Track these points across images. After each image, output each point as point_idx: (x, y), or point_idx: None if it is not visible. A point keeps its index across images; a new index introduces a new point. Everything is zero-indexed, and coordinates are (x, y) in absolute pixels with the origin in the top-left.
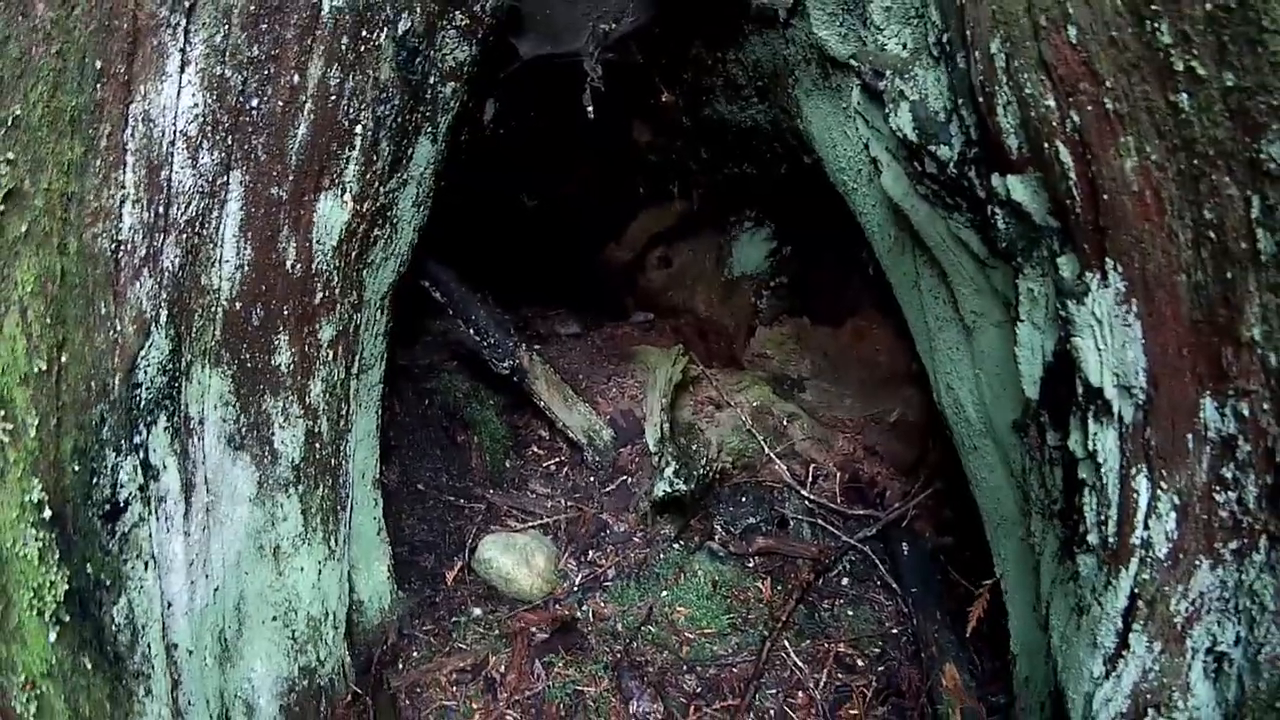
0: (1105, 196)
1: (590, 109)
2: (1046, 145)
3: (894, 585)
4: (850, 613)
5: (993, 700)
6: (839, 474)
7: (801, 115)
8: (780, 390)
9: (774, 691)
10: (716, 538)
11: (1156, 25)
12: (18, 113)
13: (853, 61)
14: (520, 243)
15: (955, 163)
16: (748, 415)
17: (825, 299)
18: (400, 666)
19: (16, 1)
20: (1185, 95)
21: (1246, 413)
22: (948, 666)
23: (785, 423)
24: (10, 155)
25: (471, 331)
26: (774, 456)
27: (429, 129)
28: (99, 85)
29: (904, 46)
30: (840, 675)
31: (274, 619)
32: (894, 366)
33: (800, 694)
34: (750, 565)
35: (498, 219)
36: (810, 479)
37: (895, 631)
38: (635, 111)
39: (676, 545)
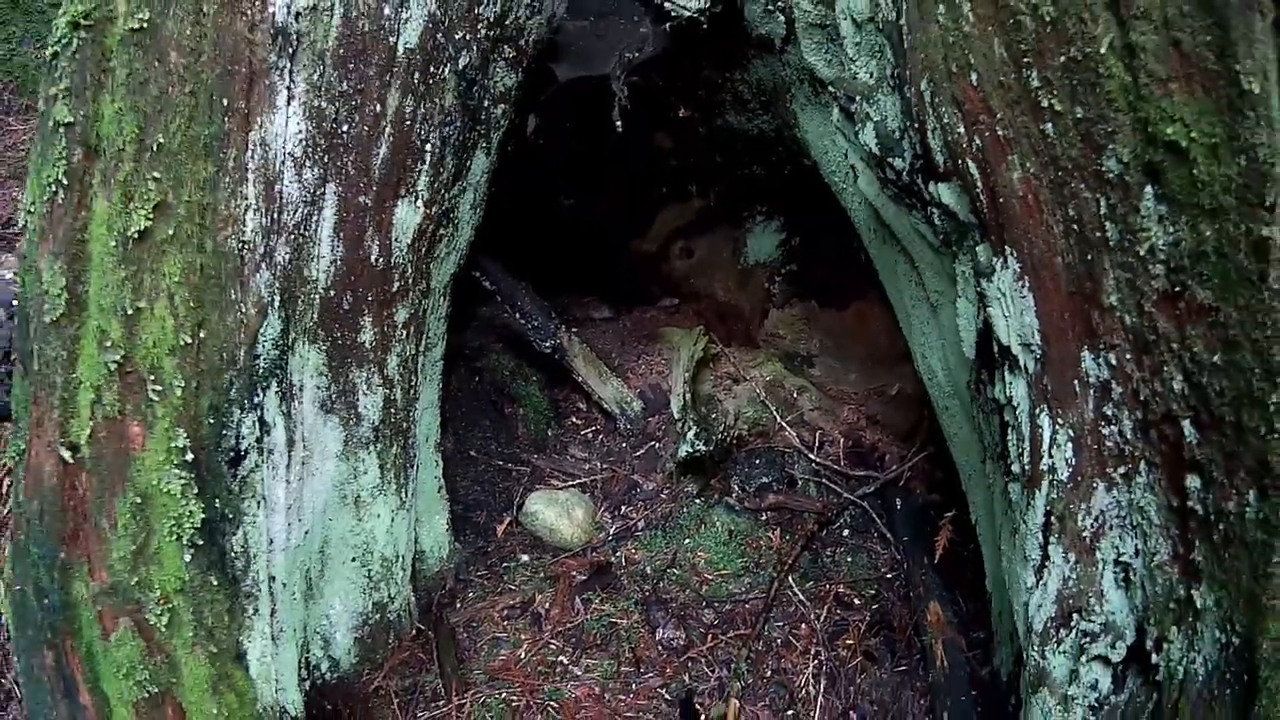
0: (1001, 200)
1: (619, 124)
2: (960, 161)
3: (889, 536)
4: (849, 559)
5: (973, 636)
6: (843, 440)
7: (799, 125)
8: (791, 366)
9: (780, 624)
10: (733, 494)
11: (1029, 72)
12: (161, 140)
13: (831, 88)
14: (558, 237)
15: (907, 171)
16: (762, 388)
17: (831, 284)
18: (458, 606)
19: (153, 50)
20: (1050, 124)
21: (1114, 362)
22: (932, 604)
23: (795, 395)
24: (157, 174)
25: (517, 316)
26: (785, 425)
27: (484, 144)
28: (225, 118)
29: (870, 76)
30: (839, 611)
31: (353, 559)
32: (892, 345)
33: (803, 626)
34: (762, 518)
35: (538, 217)
36: (817, 444)
37: (889, 576)
38: (657, 124)
39: (698, 501)
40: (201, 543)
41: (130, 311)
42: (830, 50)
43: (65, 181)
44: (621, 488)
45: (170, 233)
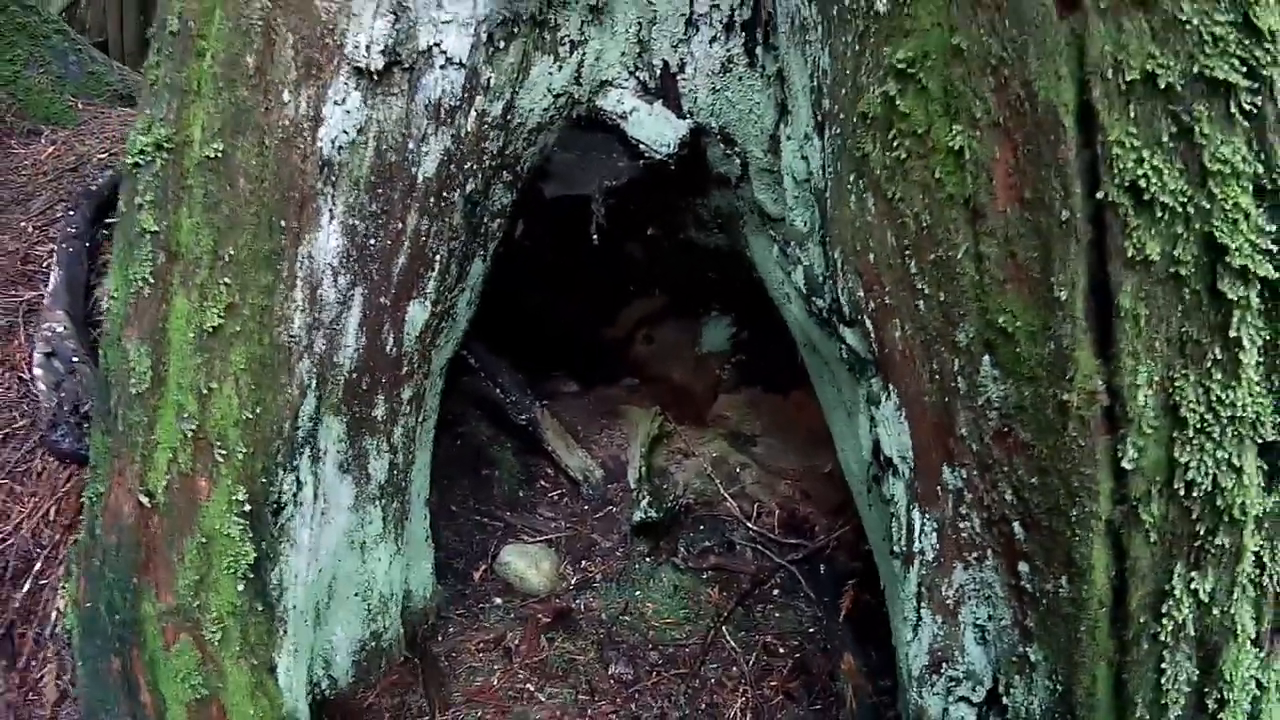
0: (887, 350)
1: (595, 237)
2: (859, 316)
3: (813, 596)
4: (778, 614)
5: (880, 684)
6: (778, 511)
7: (749, 246)
8: (736, 444)
9: (715, 666)
10: (679, 555)
11: (910, 261)
12: (231, 252)
13: (772, 229)
14: (536, 323)
15: (826, 310)
16: (709, 463)
17: (774, 374)
18: (440, 639)
19: (225, 176)
20: (921, 302)
21: (965, 476)
22: (846, 655)
23: (738, 470)
24: (227, 280)
25: (497, 390)
26: (727, 496)
27: (481, 253)
28: (282, 235)
29: (804, 225)
30: (765, 658)
31: (356, 595)
32: (826, 430)
33: (734, 668)
34: (704, 576)
35: (520, 306)
36: (755, 514)
37: (811, 630)
38: (628, 237)
39: (648, 559)
40: (251, 576)
41: (204, 390)
42: (777, 191)
43: (151, 280)
44: (583, 544)
45: (237, 329)
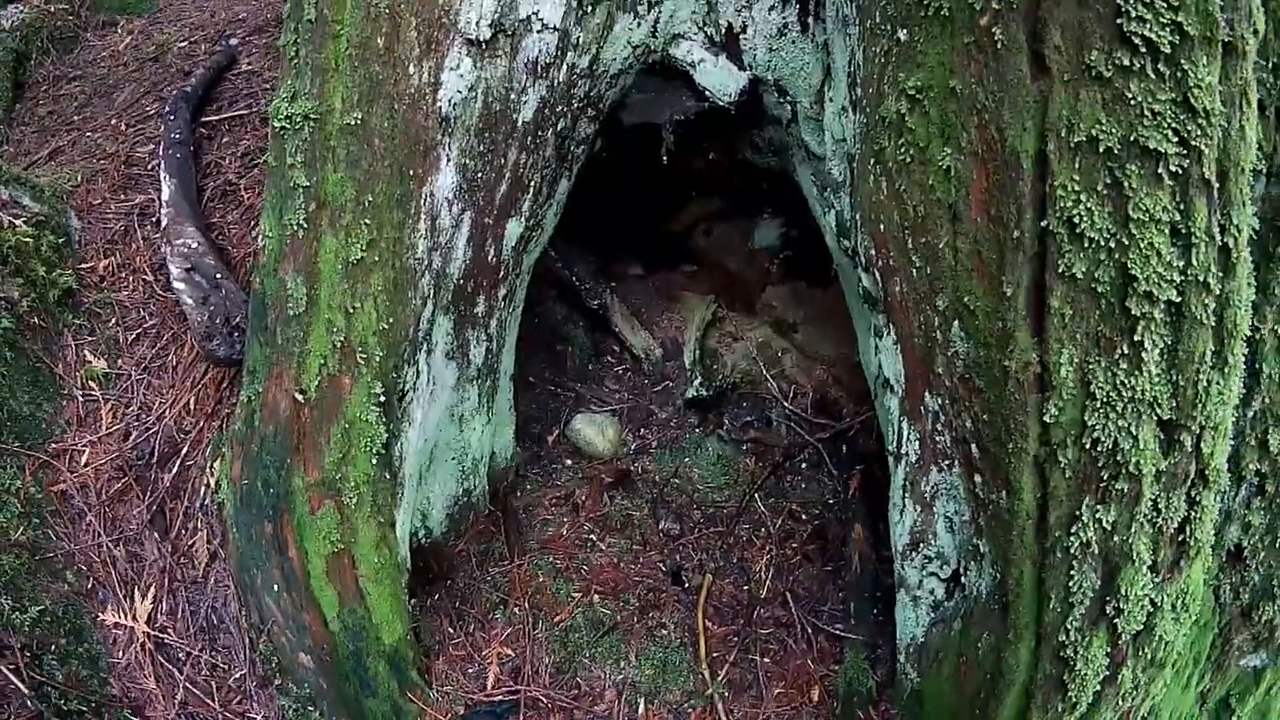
0: (888, 299)
1: (664, 158)
2: (871, 269)
3: (835, 472)
4: (804, 486)
5: (884, 554)
6: (812, 394)
7: (796, 172)
8: (780, 331)
9: (747, 526)
10: (724, 428)
11: (906, 238)
12: (370, 199)
13: (814, 169)
14: (610, 217)
15: (851, 251)
16: (754, 347)
17: (817, 270)
18: (518, 494)
19: (363, 138)
20: (913, 270)
21: (940, 403)
22: (857, 526)
23: (780, 355)
24: (367, 221)
25: (574, 279)
26: (769, 377)
27: (567, 174)
28: (410, 181)
29: (839, 175)
30: (789, 522)
31: (453, 459)
32: None
33: (762, 529)
34: (744, 447)
35: (597, 204)
36: (791, 395)
37: (831, 502)
38: (692, 153)
39: (697, 430)
40: (383, 452)
41: (350, 310)
42: (820, 136)
43: (304, 224)
44: (642, 415)
45: (375, 259)
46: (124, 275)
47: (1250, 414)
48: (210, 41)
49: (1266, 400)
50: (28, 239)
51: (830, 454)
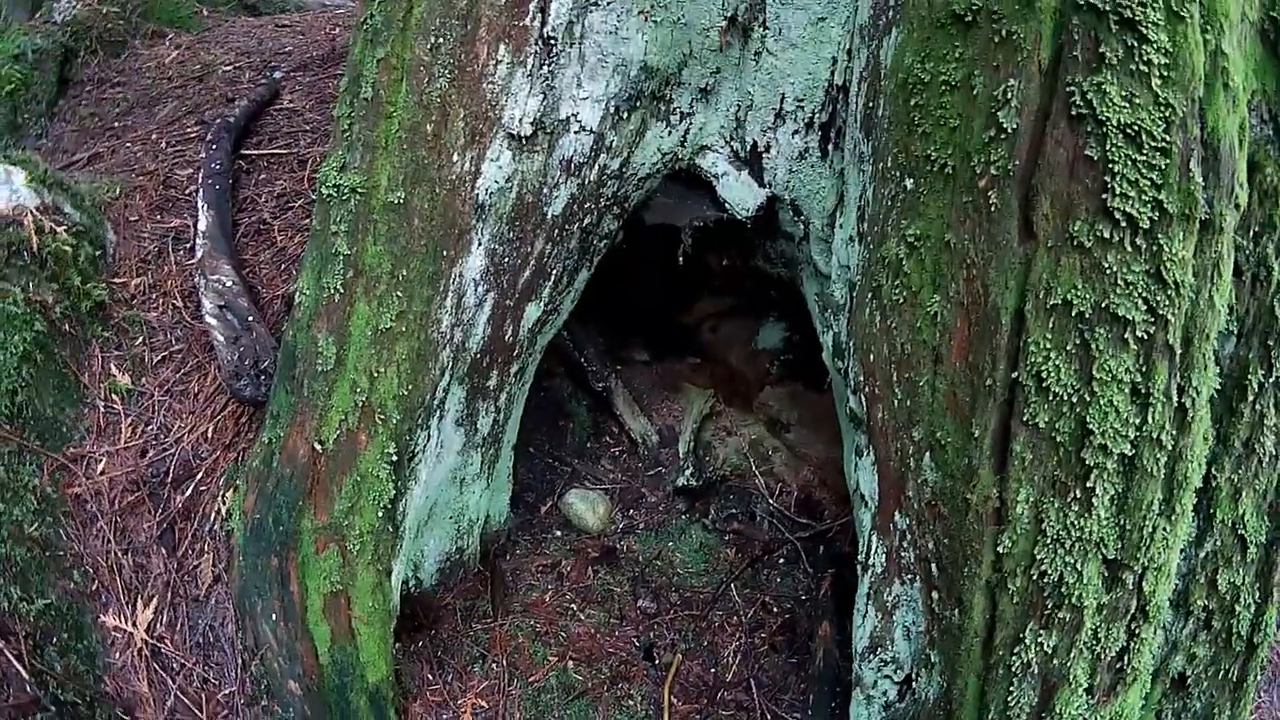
0: (871, 423)
1: (681, 259)
2: (858, 392)
3: (810, 570)
4: (779, 580)
5: (847, 652)
6: (797, 493)
7: (803, 285)
8: (773, 430)
9: (720, 613)
10: (709, 517)
11: (891, 370)
12: (404, 274)
13: (819, 288)
14: (625, 306)
15: (843, 371)
16: (747, 443)
17: (815, 374)
18: (508, 558)
19: (404, 217)
20: (895, 401)
21: (909, 523)
22: (825, 623)
23: (771, 452)
24: (399, 293)
25: (582, 359)
26: (757, 474)
27: (588, 265)
28: (442, 261)
29: (840, 298)
30: (761, 613)
31: (450, 518)
32: None
33: (735, 617)
34: (726, 538)
35: (614, 294)
36: (778, 492)
37: (803, 598)
38: (707, 256)
39: (684, 516)
40: (389, 507)
41: (374, 374)
42: (828, 257)
43: (341, 290)
44: (633, 496)
45: (403, 329)
46: (154, 297)
47: (1202, 554)
48: (255, 70)
49: (1218, 543)
50: (67, 247)
51: (808, 552)
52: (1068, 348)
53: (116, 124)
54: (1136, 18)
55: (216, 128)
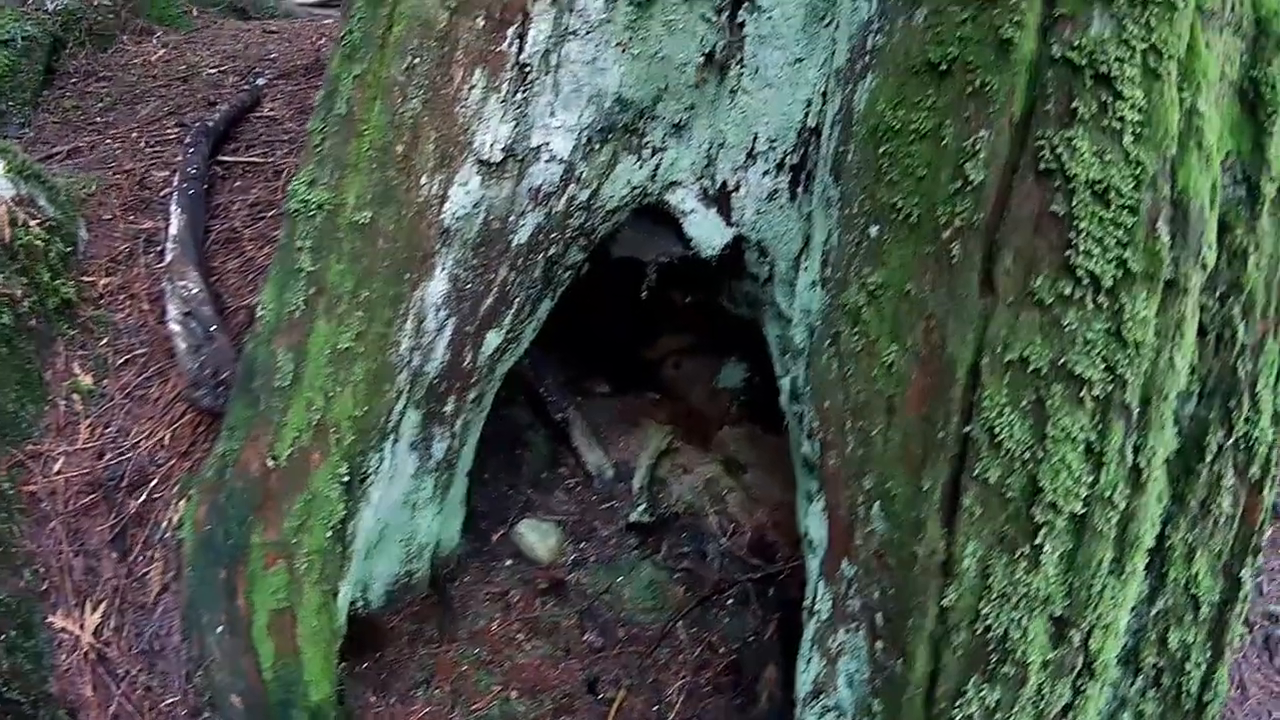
0: (824, 469)
1: (645, 292)
2: (814, 438)
3: (759, 612)
4: (727, 620)
5: (791, 696)
6: (750, 534)
7: (765, 326)
8: (729, 470)
9: (666, 650)
10: (660, 554)
11: (845, 420)
12: (366, 294)
13: (780, 331)
14: (589, 337)
15: (799, 416)
16: (703, 482)
17: (773, 416)
18: (456, 584)
19: (370, 237)
20: (848, 450)
21: (855, 571)
22: (771, 665)
23: (726, 493)
24: (360, 314)
25: (542, 389)
26: (711, 513)
27: (551, 295)
28: (405, 284)
29: (800, 342)
30: (708, 653)
31: (400, 541)
32: None
33: (680, 656)
34: (676, 575)
35: (577, 324)
36: (731, 532)
37: (750, 639)
38: (672, 292)
39: (635, 552)
40: (338, 527)
41: (330, 393)
42: (790, 301)
43: (303, 306)
44: (585, 529)
45: (361, 350)
46: (121, 298)
47: (1154, 611)
48: (239, 75)
49: (1170, 601)
50: (39, 241)
51: (758, 594)
52: (1022, 404)
53: (99, 119)
54: (1113, 73)
55: (195, 131)
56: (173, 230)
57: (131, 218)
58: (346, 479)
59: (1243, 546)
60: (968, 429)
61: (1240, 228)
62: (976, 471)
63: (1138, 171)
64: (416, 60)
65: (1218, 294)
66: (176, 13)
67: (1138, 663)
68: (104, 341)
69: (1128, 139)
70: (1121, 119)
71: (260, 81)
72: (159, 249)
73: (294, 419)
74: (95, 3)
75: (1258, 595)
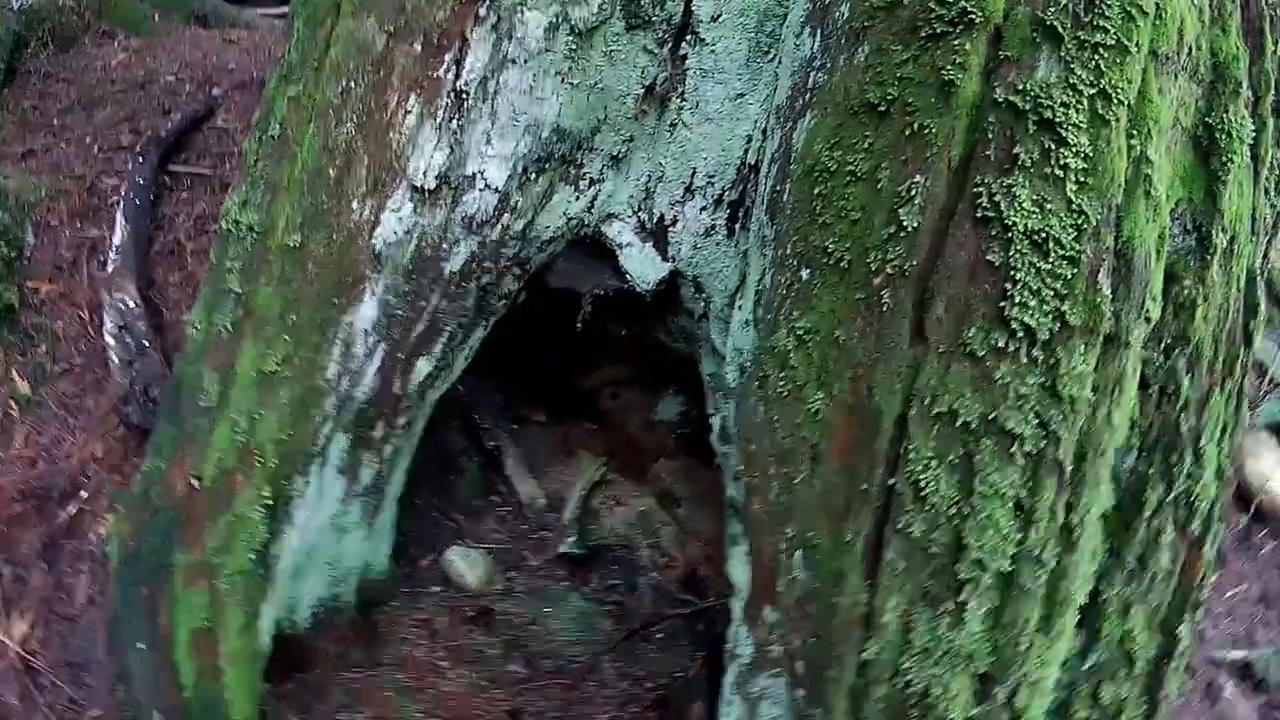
0: (747, 512)
1: (580, 324)
2: (739, 478)
3: (688, 647)
4: (655, 655)
5: None
6: (682, 568)
7: (701, 362)
8: (663, 503)
9: (593, 684)
10: (590, 586)
11: (770, 466)
12: (294, 318)
13: (709, 375)
14: (525, 367)
15: (728, 457)
16: (636, 515)
17: (710, 452)
18: (383, 609)
19: (299, 261)
20: (772, 496)
21: (776, 616)
22: (698, 703)
23: (659, 526)
24: (287, 338)
25: (475, 416)
26: (643, 546)
27: (484, 324)
28: (334, 309)
29: (733, 382)
30: (635, 688)
31: (327, 564)
32: None
33: (606, 689)
34: (605, 608)
35: (511, 353)
36: (662, 567)
37: (678, 675)
38: (608, 324)
39: (564, 584)
40: (261, 550)
41: (255, 416)
42: (725, 339)
43: (230, 328)
44: (515, 558)
45: (288, 374)
46: (63, 306)
47: (1086, 666)
48: (195, 84)
49: (1103, 657)
50: None
51: (687, 629)
52: (950, 458)
53: (55, 122)
54: (1057, 119)
55: (145, 140)
56: (116, 240)
57: (79, 225)
58: (270, 502)
59: (1181, 602)
60: (892, 481)
61: (1189, 278)
62: (900, 525)
63: (1080, 221)
64: (352, 84)
65: (1162, 346)
66: (140, 17)
67: (1068, 717)
68: (43, 349)
69: (1071, 187)
70: (1065, 166)
71: (216, 92)
72: (102, 258)
73: (219, 441)
74: (61, 3)
75: (1201, 642)
